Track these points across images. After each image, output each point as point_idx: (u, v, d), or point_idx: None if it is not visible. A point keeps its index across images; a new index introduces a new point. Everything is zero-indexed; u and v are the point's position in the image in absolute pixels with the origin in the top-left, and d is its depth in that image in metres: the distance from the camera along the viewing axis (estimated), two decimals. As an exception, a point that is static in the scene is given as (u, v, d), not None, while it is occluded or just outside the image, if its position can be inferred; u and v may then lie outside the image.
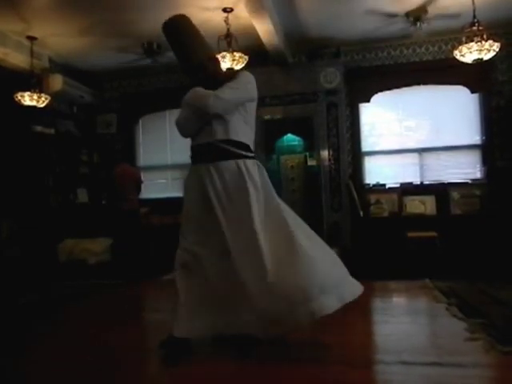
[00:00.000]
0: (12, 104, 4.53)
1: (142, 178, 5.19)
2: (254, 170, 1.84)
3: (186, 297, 1.76)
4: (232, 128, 1.83)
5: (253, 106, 1.91)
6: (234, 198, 1.79)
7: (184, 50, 1.90)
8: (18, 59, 4.59)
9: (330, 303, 1.65)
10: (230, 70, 1.96)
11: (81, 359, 1.81)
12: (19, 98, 4.51)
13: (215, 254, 1.77)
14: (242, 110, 1.85)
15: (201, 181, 1.84)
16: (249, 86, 1.87)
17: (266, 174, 1.89)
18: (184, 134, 1.91)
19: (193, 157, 1.95)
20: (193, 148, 1.95)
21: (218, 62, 1.99)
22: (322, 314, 1.63)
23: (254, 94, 1.90)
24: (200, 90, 1.86)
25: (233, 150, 1.83)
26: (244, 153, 1.84)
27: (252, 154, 1.89)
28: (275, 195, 1.87)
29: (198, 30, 1.97)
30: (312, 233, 1.84)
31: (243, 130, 1.87)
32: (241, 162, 1.82)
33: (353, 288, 1.74)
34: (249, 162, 1.84)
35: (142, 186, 5.15)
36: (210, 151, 1.86)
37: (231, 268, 1.71)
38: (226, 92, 1.80)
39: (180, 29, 1.93)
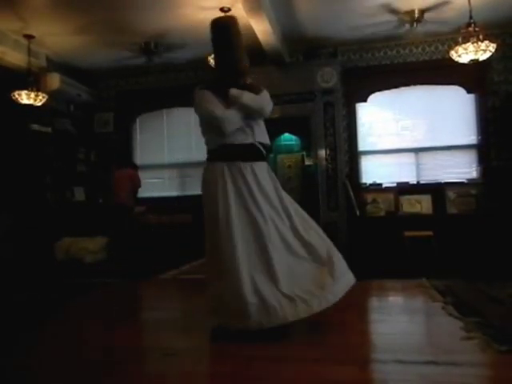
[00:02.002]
0: (9, 102, 4.51)
1: (141, 182, 5.17)
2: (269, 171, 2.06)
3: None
4: (264, 132, 2.06)
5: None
6: (270, 197, 1.94)
7: (233, 53, 1.98)
8: (15, 58, 4.58)
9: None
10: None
11: (80, 358, 1.81)
12: (16, 96, 4.49)
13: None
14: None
15: (243, 177, 1.93)
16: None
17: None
18: (227, 131, 1.93)
19: (228, 154, 1.96)
20: (228, 146, 1.96)
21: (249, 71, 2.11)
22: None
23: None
24: (252, 94, 1.97)
25: (263, 151, 2.02)
26: (265, 155, 2.05)
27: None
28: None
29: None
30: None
31: (263, 134, 2.06)
32: (266, 163, 2.04)
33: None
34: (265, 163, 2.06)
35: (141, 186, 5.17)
36: (249, 151, 1.98)
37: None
38: (270, 102, 2.03)
39: (233, 30, 2.00)
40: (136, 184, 5.03)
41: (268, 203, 1.92)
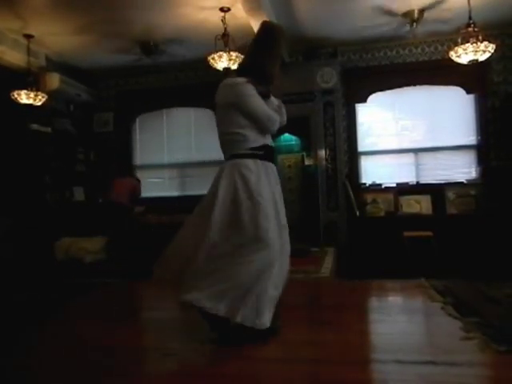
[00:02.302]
0: (8, 102, 4.51)
1: (139, 190, 5.12)
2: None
3: None
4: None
5: None
6: (281, 195, 2.08)
7: (276, 61, 2.06)
8: (14, 57, 4.57)
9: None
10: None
11: (80, 359, 1.81)
12: (16, 96, 4.49)
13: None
14: None
15: (276, 178, 2.07)
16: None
17: None
18: (272, 131, 2.08)
19: (268, 154, 2.07)
20: (268, 147, 2.07)
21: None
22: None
23: None
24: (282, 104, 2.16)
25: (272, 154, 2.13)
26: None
27: None
28: None
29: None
30: None
31: None
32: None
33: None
34: None
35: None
36: (271, 153, 2.10)
37: None
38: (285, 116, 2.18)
39: (277, 37, 2.07)
40: (135, 195, 5.01)
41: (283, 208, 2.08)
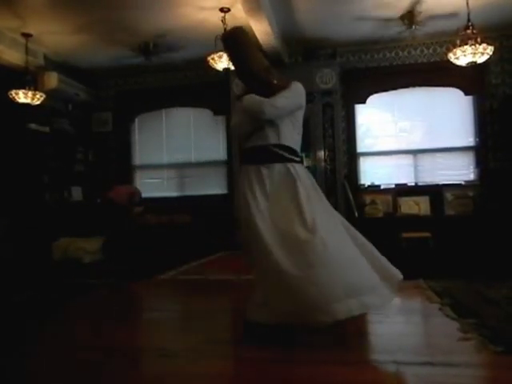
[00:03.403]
0: (6, 102, 4.50)
1: (135, 196, 5.11)
2: (303, 172, 1.98)
3: None
4: (282, 133, 1.97)
5: (301, 113, 2.05)
6: (282, 198, 1.89)
7: (240, 61, 2.03)
8: (12, 56, 4.56)
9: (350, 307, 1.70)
10: (278, 78, 2.06)
11: (77, 359, 1.81)
12: (14, 95, 4.48)
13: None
14: (292, 116, 2.00)
15: (250, 181, 1.94)
16: (299, 95, 2.02)
17: (312, 177, 2.06)
18: (239, 138, 2.04)
19: (245, 158, 2.02)
20: (245, 150, 2.02)
21: (270, 72, 2.08)
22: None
23: (303, 102, 2.05)
24: (256, 97, 1.96)
25: (283, 153, 1.96)
26: (292, 157, 1.99)
27: (298, 158, 2.03)
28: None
29: (253, 41, 2.12)
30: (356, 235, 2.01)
31: (292, 135, 2.01)
32: (290, 165, 1.95)
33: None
34: (297, 165, 1.98)
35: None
36: (262, 154, 1.96)
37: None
38: (279, 100, 1.94)
39: (236, 41, 2.04)
40: (134, 199, 5.00)
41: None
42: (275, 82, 2.03)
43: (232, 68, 4.29)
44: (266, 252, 1.76)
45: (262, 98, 1.94)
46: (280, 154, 1.94)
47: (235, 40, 2.04)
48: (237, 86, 5.10)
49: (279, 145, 1.95)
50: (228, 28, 4.25)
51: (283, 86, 1.99)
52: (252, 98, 1.96)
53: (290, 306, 1.72)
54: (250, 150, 2.00)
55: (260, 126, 1.96)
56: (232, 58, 2.09)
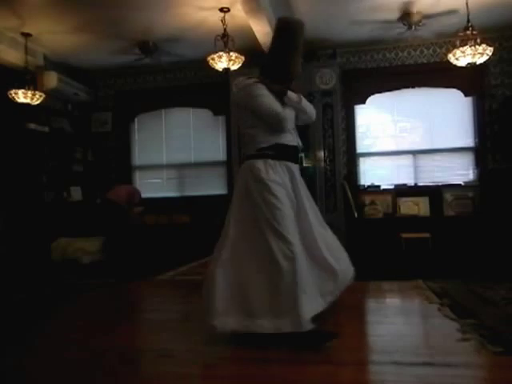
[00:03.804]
0: (6, 101, 4.50)
1: (134, 198, 5.04)
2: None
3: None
4: (297, 136, 2.12)
5: None
6: (307, 196, 2.07)
7: (297, 57, 2.02)
8: (12, 56, 4.56)
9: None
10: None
11: (74, 359, 1.80)
12: (13, 95, 4.48)
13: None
14: None
15: (293, 177, 2.00)
16: None
17: None
18: (286, 129, 2.01)
19: (281, 153, 1.99)
20: (282, 145, 1.99)
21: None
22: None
23: None
24: (305, 99, 2.10)
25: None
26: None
27: None
28: None
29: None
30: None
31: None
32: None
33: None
34: None
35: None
36: (296, 153, 2.07)
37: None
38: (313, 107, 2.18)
39: (302, 35, 2.04)
40: (134, 199, 4.99)
41: (308, 207, 2.05)
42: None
43: (232, 68, 4.29)
44: None
45: (311, 104, 2.15)
46: (298, 156, 2.11)
47: (302, 32, 2.02)
48: (236, 85, 5.10)
49: (298, 146, 2.09)
50: (228, 28, 4.26)
51: (296, 90, 2.07)
52: (308, 102, 2.12)
53: None
54: (284, 147, 1.99)
55: (293, 128, 2.07)
56: (287, 47, 1.99)
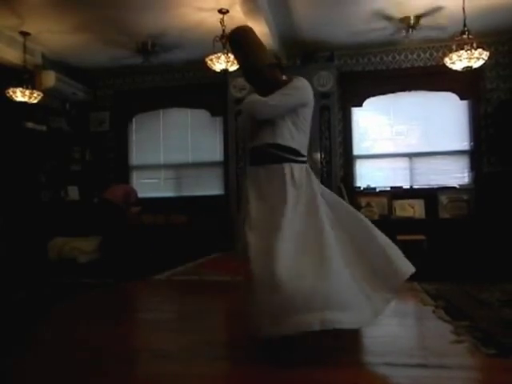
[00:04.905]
0: (4, 100, 4.49)
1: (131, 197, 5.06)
2: (299, 173, 1.86)
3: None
4: (279, 133, 1.87)
5: (305, 110, 1.93)
6: (275, 200, 1.82)
7: (244, 57, 1.99)
8: (10, 55, 4.55)
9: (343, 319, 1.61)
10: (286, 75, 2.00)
11: (69, 359, 1.81)
12: (11, 93, 4.47)
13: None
14: (294, 114, 1.89)
15: (256, 182, 1.90)
16: (300, 91, 1.91)
17: (315, 179, 1.93)
18: (243, 137, 2.00)
19: (250, 159, 1.98)
20: (250, 150, 1.98)
21: (276, 69, 2.01)
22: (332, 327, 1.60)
23: (306, 99, 1.92)
24: (253, 96, 1.95)
25: (279, 153, 1.86)
26: (291, 157, 1.88)
27: (301, 159, 1.91)
28: (321, 200, 1.87)
29: (258, 39, 2.02)
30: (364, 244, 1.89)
31: (292, 134, 1.89)
32: (287, 165, 1.85)
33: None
34: (296, 166, 1.87)
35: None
36: (260, 154, 1.91)
37: None
38: (276, 98, 1.86)
39: (241, 38, 1.99)
40: (130, 198, 4.99)
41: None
42: (284, 78, 1.98)
43: (230, 69, 4.31)
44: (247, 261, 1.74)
45: (257, 98, 1.90)
46: (274, 154, 1.86)
47: (241, 37, 1.98)
48: (234, 87, 5.12)
49: (274, 144, 1.86)
50: (227, 29, 4.27)
51: (286, 82, 1.93)
52: (249, 99, 1.95)
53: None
54: (251, 150, 1.96)
55: (259, 126, 1.90)
56: (237, 56, 2.05)
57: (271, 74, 1.97)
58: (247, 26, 2.08)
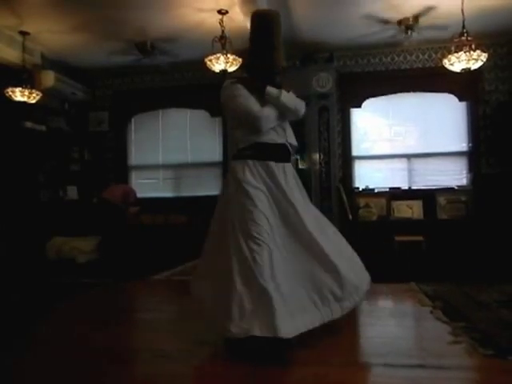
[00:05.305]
0: (3, 99, 4.48)
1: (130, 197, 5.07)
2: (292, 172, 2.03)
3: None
4: (289, 133, 2.04)
5: None
6: (297, 200, 1.93)
7: (276, 51, 1.92)
8: (9, 54, 4.54)
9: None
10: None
11: (68, 359, 1.81)
12: (10, 93, 4.46)
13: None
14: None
15: (274, 177, 1.90)
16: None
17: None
18: (263, 128, 1.91)
19: (261, 153, 1.92)
20: (261, 145, 1.92)
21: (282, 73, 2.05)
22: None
23: None
24: (293, 95, 1.99)
25: (290, 152, 2.02)
26: (291, 157, 2.06)
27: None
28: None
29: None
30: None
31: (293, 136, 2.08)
32: (290, 164, 2.02)
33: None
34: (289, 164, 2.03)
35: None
36: (284, 151, 1.98)
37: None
38: (300, 102, 2.03)
39: (279, 27, 1.93)
40: (129, 198, 4.99)
41: (298, 206, 1.91)
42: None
43: (229, 70, 4.31)
44: None
45: (295, 97, 1.99)
46: (290, 153, 2.03)
47: (278, 24, 1.91)
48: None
49: (290, 143, 2.01)
50: (225, 30, 4.28)
51: (287, 88, 1.96)
52: (292, 96, 1.98)
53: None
54: (266, 145, 1.92)
55: (281, 124, 1.96)
56: (264, 42, 1.91)
57: (279, 76, 1.98)
58: (279, 13, 1.97)
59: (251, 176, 1.86)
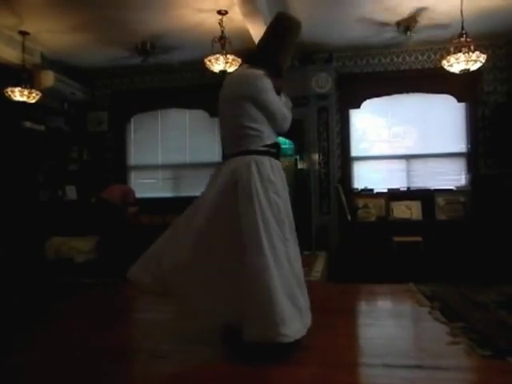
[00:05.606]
0: (2, 99, 4.48)
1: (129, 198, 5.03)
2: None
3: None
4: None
5: None
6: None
7: (288, 55, 1.99)
8: (9, 54, 4.53)
9: None
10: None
11: (67, 359, 1.81)
12: (9, 93, 4.46)
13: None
14: None
15: (281, 175, 1.94)
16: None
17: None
18: (286, 129, 2.00)
19: (278, 152, 1.97)
20: (277, 144, 1.98)
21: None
22: None
23: None
24: (289, 102, 2.05)
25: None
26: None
27: None
28: None
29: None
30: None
31: None
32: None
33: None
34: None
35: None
36: (280, 151, 2.01)
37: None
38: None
39: (298, 35, 2.02)
40: (128, 198, 4.98)
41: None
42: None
43: (229, 70, 4.31)
44: None
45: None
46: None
47: (292, 27, 1.96)
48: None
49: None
50: (225, 30, 4.28)
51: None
52: (289, 104, 2.04)
53: None
54: (275, 145, 1.94)
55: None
56: (282, 43, 1.95)
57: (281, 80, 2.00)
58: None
59: (273, 175, 1.85)
